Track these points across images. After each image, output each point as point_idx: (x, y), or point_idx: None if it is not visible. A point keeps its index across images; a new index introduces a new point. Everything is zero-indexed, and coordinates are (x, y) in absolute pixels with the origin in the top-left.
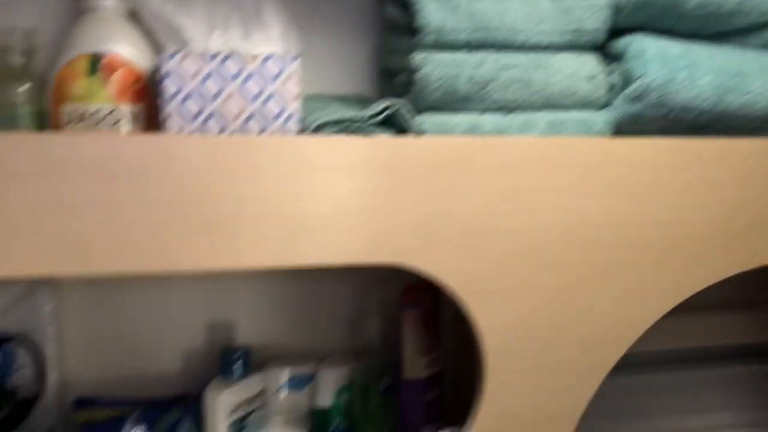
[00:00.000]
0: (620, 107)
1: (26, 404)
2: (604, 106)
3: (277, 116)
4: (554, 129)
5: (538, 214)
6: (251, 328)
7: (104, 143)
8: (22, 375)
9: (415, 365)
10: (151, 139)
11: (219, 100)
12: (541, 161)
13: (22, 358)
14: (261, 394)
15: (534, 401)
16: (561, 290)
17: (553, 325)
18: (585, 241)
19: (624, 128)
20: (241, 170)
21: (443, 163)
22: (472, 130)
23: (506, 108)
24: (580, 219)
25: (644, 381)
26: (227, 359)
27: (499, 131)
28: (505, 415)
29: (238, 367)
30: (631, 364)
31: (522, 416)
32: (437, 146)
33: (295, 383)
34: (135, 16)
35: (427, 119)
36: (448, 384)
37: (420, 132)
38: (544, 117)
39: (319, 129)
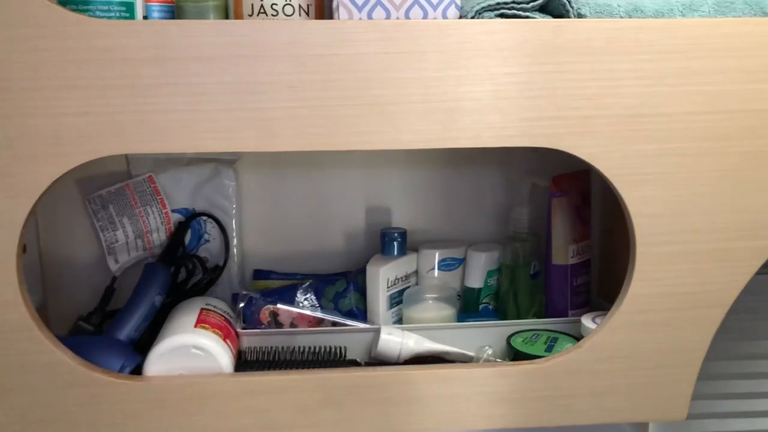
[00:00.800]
0: None
1: (214, 272)
2: None
3: (438, 3)
4: (721, 10)
5: (698, 99)
6: (406, 212)
7: (286, 28)
8: (209, 247)
9: (563, 252)
10: (326, 25)
11: None
12: (705, 44)
13: (210, 232)
14: (415, 273)
15: (683, 288)
16: (718, 177)
17: (708, 212)
18: (748, 128)
19: None
20: (405, 54)
21: (602, 47)
22: (633, 13)
23: None
24: (745, 104)
25: None
26: (387, 238)
27: (662, 13)
28: (651, 300)
29: (396, 245)
30: None
31: (669, 303)
32: (596, 29)
33: (447, 265)
34: None
35: (586, 2)
36: (596, 273)
37: (579, 15)
38: None
39: (478, 14)
